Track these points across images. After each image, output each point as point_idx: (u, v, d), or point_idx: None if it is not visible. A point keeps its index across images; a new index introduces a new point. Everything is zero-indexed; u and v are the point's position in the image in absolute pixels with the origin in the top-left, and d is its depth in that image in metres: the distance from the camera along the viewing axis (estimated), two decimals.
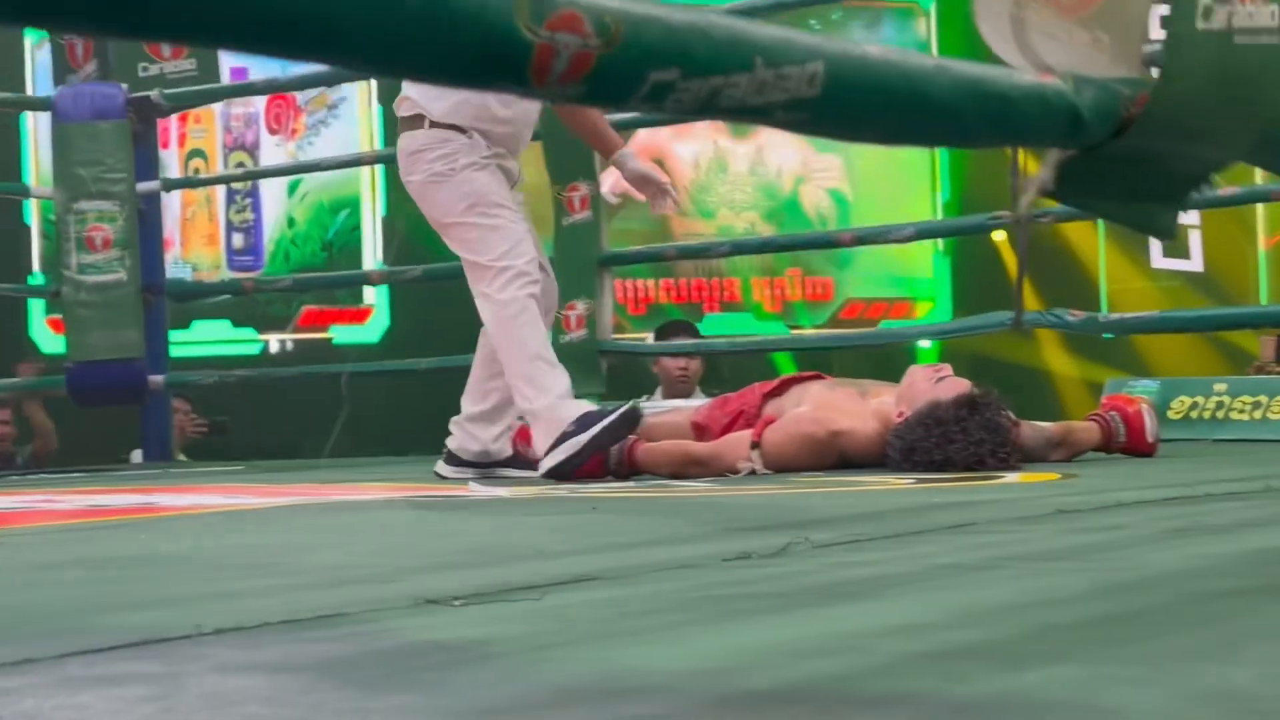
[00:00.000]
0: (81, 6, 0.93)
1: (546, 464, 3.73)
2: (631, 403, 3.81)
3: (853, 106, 1.37)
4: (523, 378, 3.80)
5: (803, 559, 1.80)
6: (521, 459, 4.21)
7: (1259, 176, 6.24)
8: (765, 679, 1.10)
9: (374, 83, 9.04)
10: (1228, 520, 2.07)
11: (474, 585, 1.60)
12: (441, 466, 4.17)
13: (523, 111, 4.04)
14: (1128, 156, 1.62)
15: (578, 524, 2.58)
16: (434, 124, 3.96)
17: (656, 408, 4.51)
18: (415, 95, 4.01)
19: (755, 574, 1.69)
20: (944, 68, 1.43)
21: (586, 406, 3.81)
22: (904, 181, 9.61)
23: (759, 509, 2.80)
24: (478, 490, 3.50)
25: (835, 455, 3.80)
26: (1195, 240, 9.30)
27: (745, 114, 1.28)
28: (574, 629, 1.36)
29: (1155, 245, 9.24)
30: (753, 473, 3.76)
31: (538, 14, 1.11)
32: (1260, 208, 9.22)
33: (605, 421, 3.69)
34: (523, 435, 4.40)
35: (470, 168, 3.96)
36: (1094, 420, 3.89)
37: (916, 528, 2.08)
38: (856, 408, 3.85)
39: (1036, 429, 3.81)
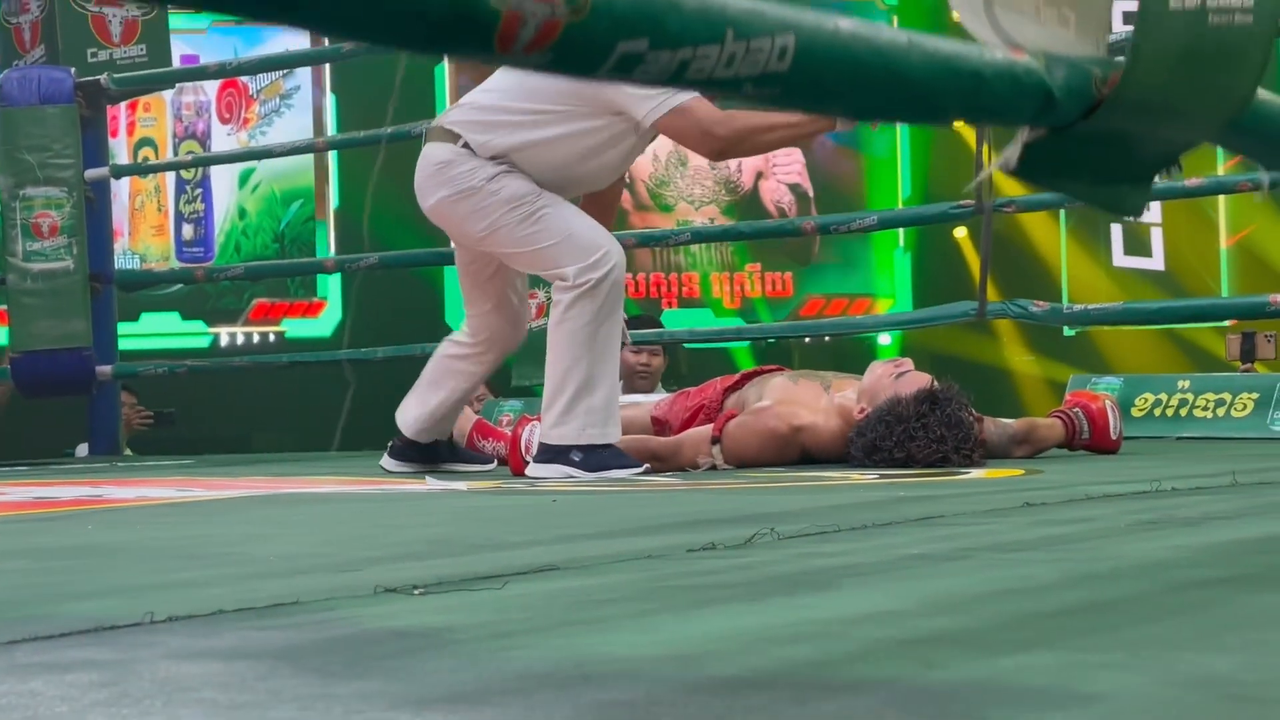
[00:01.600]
0: None
1: (530, 469, 3.67)
2: (645, 466, 3.68)
3: (823, 81, 1.34)
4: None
5: (769, 550, 1.77)
6: (475, 452, 4.16)
7: (1221, 167, 6.27)
8: (738, 665, 1.07)
9: (328, 69, 8.98)
10: (1196, 513, 2.05)
11: (433, 575, 1.57)
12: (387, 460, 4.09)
13: (599, 172, 3.80)
14: (1097, 136, 1.60)
15: (537, 516, 2.55)
16: (475, 153, 3.71)
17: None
18: (479, 135, 3.73)
19: (721, 564, 1.66)
20: (916, 44, 1.40)
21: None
22: (865, 177, 9.62)
23: (722, 502, 2.77)
24: (434, 483, 3.46)
25: (797, 450, 3.77)
26: (1157, 238, 9.35)
27: (714, 86, 1.25)
28: (538, 617, 1.33)
29: (1117, 243, 9.28)
30: (713, 468, 3.73)
31: None
32: (1222, 206, 9.27)
33: (610, 473, 3.59)
34: (480, 429, 4.36)
35: (498, 175, 3.72)
36: (1058, 417, 3.89)
37: (883, 520, 2.06)
38: (819, 402, 3.82)
39: (1000, 425, 3.80)
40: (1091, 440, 3.83)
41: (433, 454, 4.05)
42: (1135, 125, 1.58)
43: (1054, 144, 1.54)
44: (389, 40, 1.08)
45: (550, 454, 3.63)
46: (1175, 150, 1.66)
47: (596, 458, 3.60)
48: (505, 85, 3.73)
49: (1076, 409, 3.86)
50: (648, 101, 3.57)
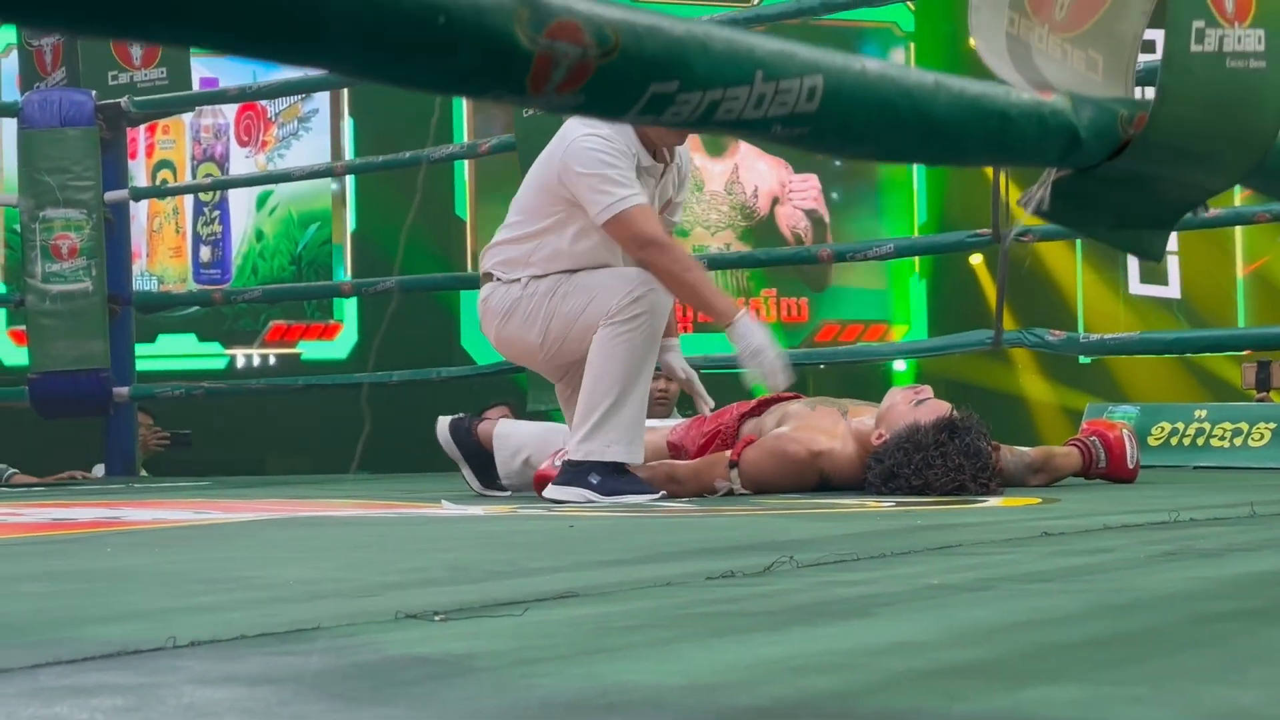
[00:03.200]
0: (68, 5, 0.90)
1: (548, 490, 3.68)
2: (661, 492, 3.70)
3: (851, 122, 1.34)
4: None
5: (789, 578, 1.77)
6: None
7: (1238, 198, 6.27)
8: (760, 695, 1.07)
9: (346, 94, 9.01)
10: (1216, 545, 2.05)
11: (453, 600, 1.57)
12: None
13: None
14: (1122, 178, 1.60)
15: (556, 541, 2.55)
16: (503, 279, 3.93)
17: None
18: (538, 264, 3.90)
19: (741, 592, 1.66)
20: (943, 84, 1.41)
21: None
22: (881, 203, 9.62)
23: (740, 529, 2.77)
24: (451, 508, 3.46)
25: (815, 476, 3.77)
26: (1173, 266, 9.33)
27: (743, 128, 1.26)
28: (560, 644, 1.33)
29: (1133, 271, 9.27)
30: (730, 492, 3.73)
31: (537, 22, 1.08)
32: (1239, 235, 9.26)
33: (626, 498, 3.60)
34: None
35: (530, 280, 3.90)
36: (1074, 445, 3.88)
37: (901, 548, 2.05)
38: (836, 428, 3.82)
39: (1016, 454, 3.79)
40: (1108, 469, 3.82)
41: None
42: (1161, 167, 1.58)
43: (1080, 185, 1.54)
44: (422, 84, 1.09)
45: (571, 474, 3.64)
46: (1199, 196, 1.66)
47: (613, 482, 3.61)
48: (508, 219, 4.01)
49: (1093, 437, 3.85)
50: (601, 198, 3.75)
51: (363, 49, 1.05)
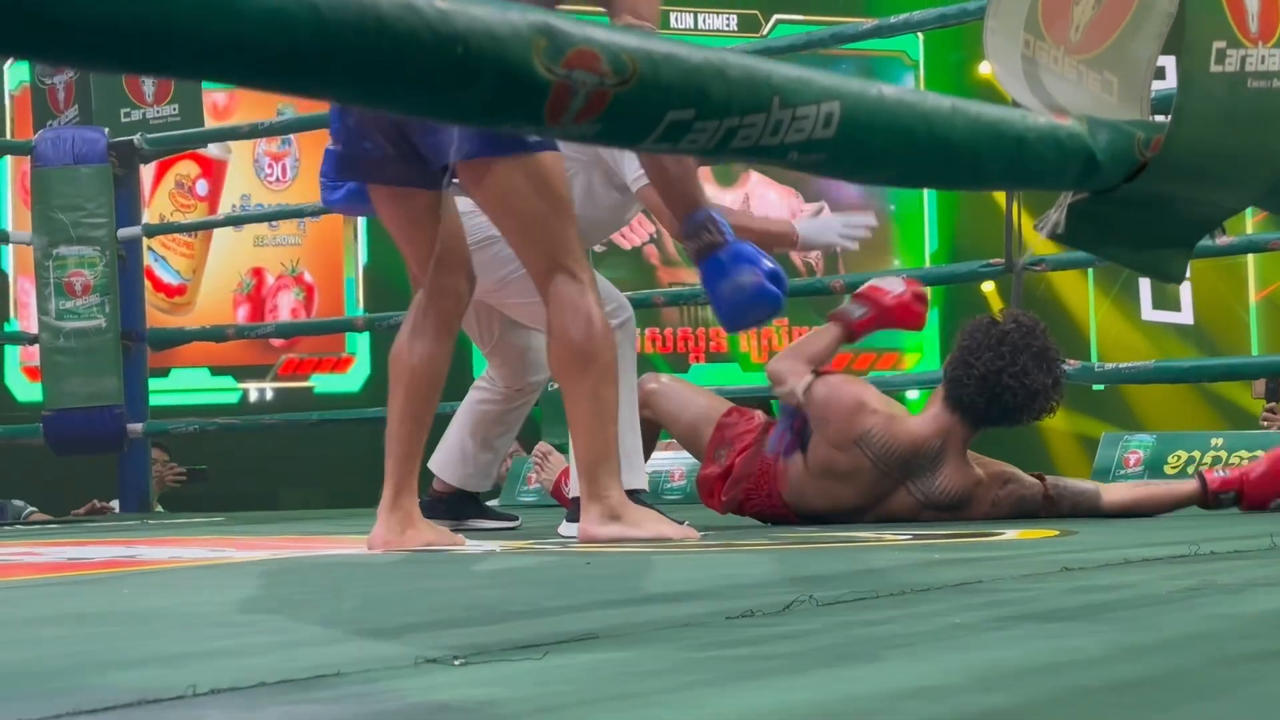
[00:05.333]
0: (93, 41, 0.90)
1: (563, 528, 3.66)
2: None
3: (869, 147, 1.34)
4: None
5: (809, 617, 1.76)
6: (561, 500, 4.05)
7: (1250, 225, 6.26)
8: None
9: None
10: (1237, 580, 2.03)
11: (473, 643, 1.56)
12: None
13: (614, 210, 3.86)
14: (1140, 200, 1.60)
15: (572, 580, 2.54)
16: None
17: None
18: None
19: (762, 633, 1.65)
20: (959, 109, 1.41)
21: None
22: (892, 231, 9.62)
23: (757, 565, 2.76)
24: (466, 544, 3.45)
25: (869, 435, 3.73)
26: (1186, 293, 9.33)
27: (760, 154, 1.26)
28: (581, 689, 1.32)
29: (1146, 298, 9.26)
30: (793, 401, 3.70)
31: (555, 51, 1.08)
32: (1251, 261, 9.25)
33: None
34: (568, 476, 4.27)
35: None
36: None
37: (921, 585, 2.04)
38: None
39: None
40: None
41: (462, 509, 4.04)
42: (1179, 189, 1.58)
43: (1097, 208, 1.54)
44: (441, 115, 1.09)
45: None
46: (1218, 215, 1.66)
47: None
48: None
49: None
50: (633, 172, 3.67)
51: (381, 81, 1.05)
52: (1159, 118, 1.72)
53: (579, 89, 1.07)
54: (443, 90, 1.05)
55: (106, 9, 0.86)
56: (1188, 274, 1.69)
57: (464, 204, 3.71)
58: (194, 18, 0.88)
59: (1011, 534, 3.19)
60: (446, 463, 4.11)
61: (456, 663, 1.44)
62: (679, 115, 1.15)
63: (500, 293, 3.79)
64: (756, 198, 9.43)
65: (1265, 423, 6.31)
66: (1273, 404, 6.32)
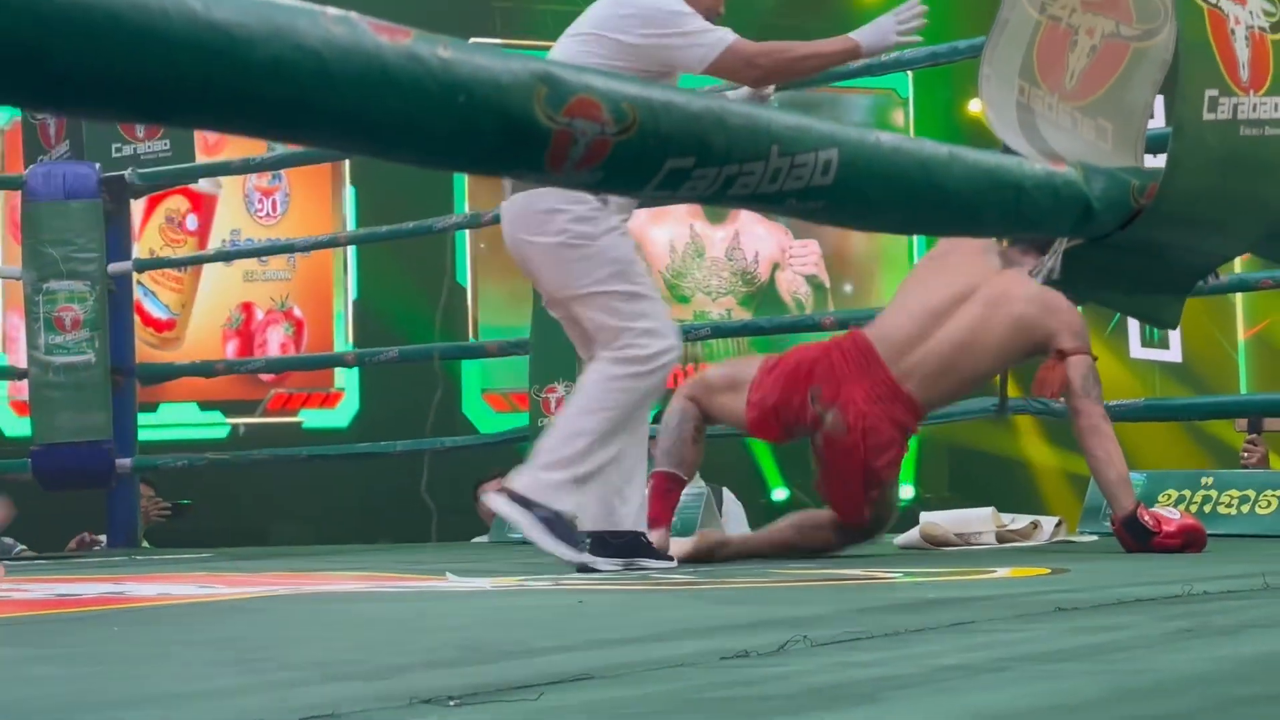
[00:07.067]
0: (99, 92, 0.90)
1: (507, 510, 3.64)
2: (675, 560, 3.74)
3: (867, 195, 1.35)
4: (571, 457, 3.61)
5: (803, 658, 1.75)
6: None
7: (1239, 263, 6.28)
8: None
9: (347, 163, 9.05)
10: (1232, 621, 2.03)
11: (467, 683, 1.55)
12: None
13: None
14: (1135, 247, 1.60)
15: (565, 618, 2.53)
16: None
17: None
18: None
19: (757, 673, 1.65)
20: (958, 157, 1.41)
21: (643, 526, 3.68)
22: (881, 268, 9.65)
23: (750, 603, 2.75)
24: (456, 581, 3.44)
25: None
26: (1174, 330, 9.36)
27: (759, 201, 1.26)
28: None
29: (1134, 335, 9.28)
30: None
31: (555, 100, 1.09)
32: (1239, 299, 9.28)
33: (645, 563, 3.61)
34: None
35: (612, 232, 3.70)
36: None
37: (915, 625, 2.04)
38: None
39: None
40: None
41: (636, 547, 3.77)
42: (1173, 236, 1.59)
43: (1092, 254, 1.55)
44: (441, 163, 1.09)
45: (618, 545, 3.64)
46: (1212, 262, 1.67)
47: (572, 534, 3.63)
48: None
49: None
50: (696, 50, 3.65)
51: (385, 130, 1.06)
52: (1150, 157, 1.73)
53: (580, 137, 1.07)
54: (446, 139, 1.05)
55: (109, 61, 0.86)
56: (1179, 319, 1.70)
57: (548, 200, 3.67)
58: (198, 69, 0.89)
59: (1004, 572, 3.19)
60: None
61: (452, 704, 1.44)
62: (679, 163, 1.16)
63: (583, 300, 3.71)
64: (746, 233, 9.45)
65: (1246, 454, 6.32)
66: (1254, 436, 6.33)
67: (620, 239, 3.72)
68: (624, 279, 3.69)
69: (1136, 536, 3.67)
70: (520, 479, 3.67)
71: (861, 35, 3.78)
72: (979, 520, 4.41)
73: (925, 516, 4.51)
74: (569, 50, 3.72)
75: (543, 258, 3.73)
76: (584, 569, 3.70)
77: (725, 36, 3.68)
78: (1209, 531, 3.87)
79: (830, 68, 3.98)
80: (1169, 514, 3.79)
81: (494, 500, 3.68)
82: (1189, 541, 3.64)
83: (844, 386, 3.90)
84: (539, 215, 3.68)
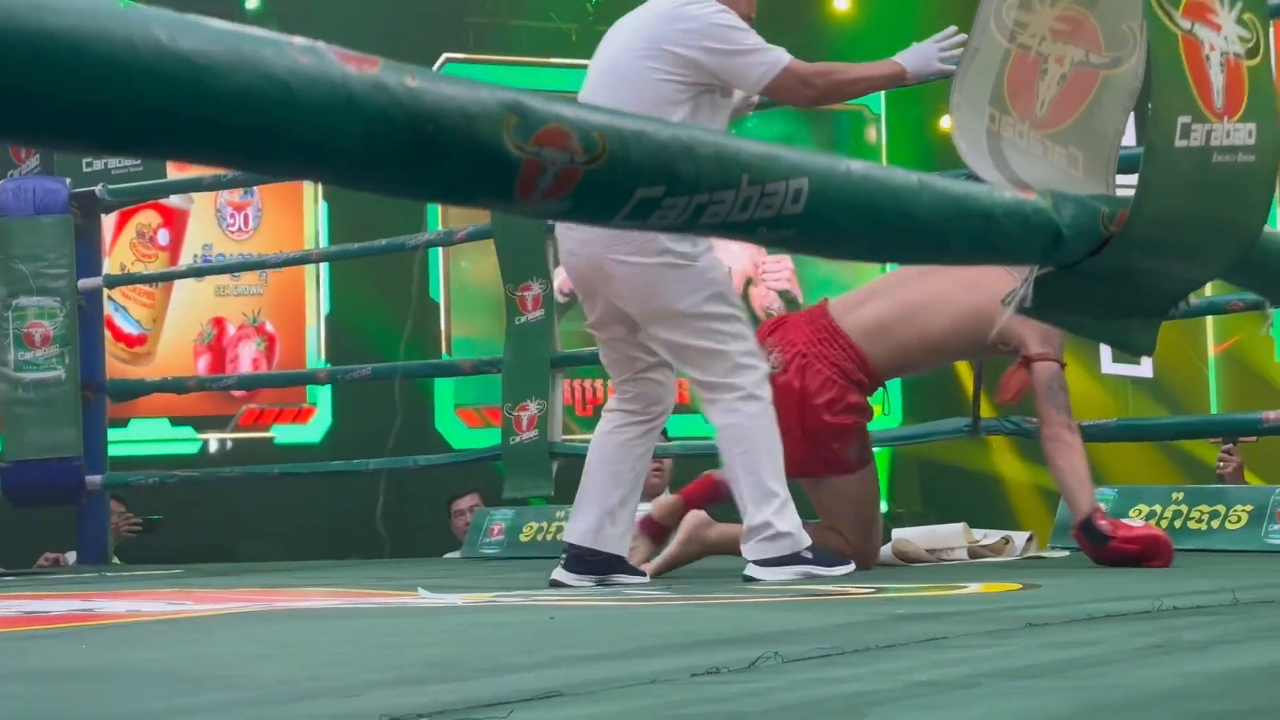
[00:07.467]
0: (64, 123, 0.90)
1: (763, 573, 3.63)
2: (852, 564, 3.77)
3: (838, 223, 1.36)
4: (768, 491, 3.62)
5: (775, 674, 1.75)
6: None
7: (1209, 288, 6.33)
8: None
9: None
10: (1201, 637, 2.04)
11: (437, 701, 1.55)
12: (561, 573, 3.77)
13: None
14: (1106, 274, 1.61)
15: (536, 634, 2.53)
16: None
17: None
18: None
19: (728, 690, 1.65)
20: (927, 184, 1.42)
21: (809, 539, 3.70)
22: (853, 284, 9.66)
23: (722, 620, 2.75)
24: (428, 597, 3.44)
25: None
26: None
27: (730, 229, 1.27)
28: None
29: (1105, 351, 9.33)
30: None
31: (525, 129, 1.09)
32: (1210, 316, 9.33)
33: (835, 570, 3.65)
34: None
35: (708, 252, 3.69)
36: None
37: (886, 641, 2.04)
38: None
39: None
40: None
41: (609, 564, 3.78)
42: (1144, 262, 1.60)
43: (1063, 281, 1.56)
44: (409, 192, 1.09)
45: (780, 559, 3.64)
46: (1184, 288, 1.68)
47: (824, 554, 3.67)
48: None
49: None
50: (758, 67, 3.65)
51: (353, 160, 1.06)
52: (1122, 178, 1.74)
53: (549, 166, 1.08)
54: (414, 169, 1.05)
55: (73, 91, 0.86)
56: (1154, 346, 1.70)
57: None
58: (164, 99, 0.88)
59: (975, 587, 3.20)
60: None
61: None
62: (648, 192, 1.16)
63: (674, 322, 3.68)
64: (720, 247, 9.45)
65: (1222, 463, 6.36)
66: (1229, 446, 6.37)
67: (716, 259, 3.74)
68: (723, 300, 3.70)
69: (1093, 540, 3.69)
70: (750, 551, 3.66)
71: (906, 60, 3.80)
72: (951, 536, 4.42)
73: (897, 533, 4.52)
74: (626, 65, 3.68)
75: (641, 277, 3.66)
76: (556, 584, 3.71)
77: (783, 55, 3.69)
78: (1179, 547, 3.89)
79: (877, 91, 3.99)
80: (1133, 524, 3.81)
81: (758, 573, 3.64)
82: (1150, 552, 3.65)
83: (789, 333, 4.02)
84: (637, 234, 3.58)
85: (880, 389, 4.19)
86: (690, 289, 3.65)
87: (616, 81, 3.68)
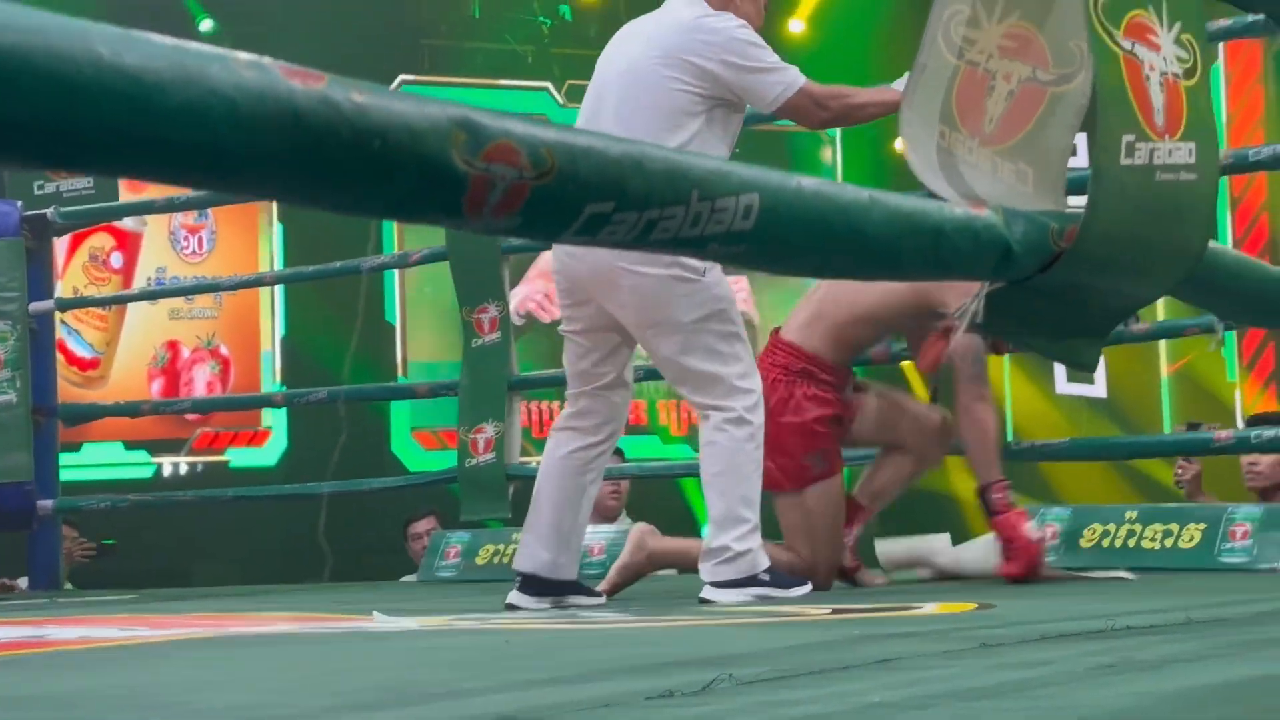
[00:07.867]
0: (8, 139, 0.89)
1: (718, 595, 3.63)
2: (809, 585, 3.79)
3: (788, 239, 1.36)
4: (736, 517, 3.63)
5: (728, 697, 1.75)
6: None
7: (1161, 312, 6.38)
8: None
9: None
10: (1155, 656, 2.05)
11: None
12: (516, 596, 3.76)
13: None
14: (1055, 290, 1.62)
15: (491, 658, 2.52)
16: None
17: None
18: None
19: (682, 713, 1.64)
20: (878, 201, 1.43)
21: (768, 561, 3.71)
22: None
23: (676, 642, 2.75)
24: (382, 620, 3.42)
25: None
26: (1100, 366, 9.46)
27: (681, 246, 1.27)
28: None
29: (1060, 371, 9.39)
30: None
31: (474, 145, 1.09)
32: None
33: (792, 591, 3.65)
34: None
35: (715, 268, 3.67)
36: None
37: (841, 663, 2.04)
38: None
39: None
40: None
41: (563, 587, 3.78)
42: (1093, 279, 1.61)
43: (1013, 297, 1.57)
44: (357, 208, 1.09)
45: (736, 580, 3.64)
46: (1132, 305, 1.69)
47: (781, 576, 3.67)
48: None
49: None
50: (775, 86, 3.66)
51: (300, 176, 1.05)
52: (1072, 199, 1.75)
53: (498, 182, 1.07)
54: (361, 185, 1.05)
55: (18, 107, 0.85)
56: (1101, 361, 1.71)
57: None
58: (109, 115, 0.88)
59: (931, 608, 3.21)
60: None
61: None
62: (598, 208, 1.16)
63: (676, 339, 3.66)
64: None
65: (1180, 470, 6.38)
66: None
67: (723, 276, 3.73)
68: (724, 319, 3.69)
69: (985, 509, 3.95)
70: (707, 573, 3.67)
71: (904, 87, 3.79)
72: (935, 547, 4.49)
73: (880, 544, 4.56)
74: (644, 72, 3.65)
75: (649, 287, 3.63)
76: (511, 608, 3.70)
77: (799, 76, 3.70)
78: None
79: (883, 116, 4.00)
80: (1033, 531, 3.91)
81: (713, 595, 3.64)
82: (1032, 575, 3.89)
83: None
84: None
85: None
86: (696, 303, 3.65)
87: (635, 88, 3.66)
